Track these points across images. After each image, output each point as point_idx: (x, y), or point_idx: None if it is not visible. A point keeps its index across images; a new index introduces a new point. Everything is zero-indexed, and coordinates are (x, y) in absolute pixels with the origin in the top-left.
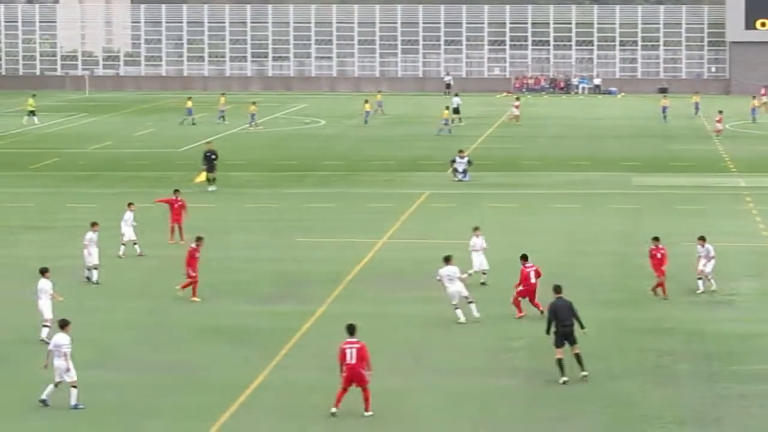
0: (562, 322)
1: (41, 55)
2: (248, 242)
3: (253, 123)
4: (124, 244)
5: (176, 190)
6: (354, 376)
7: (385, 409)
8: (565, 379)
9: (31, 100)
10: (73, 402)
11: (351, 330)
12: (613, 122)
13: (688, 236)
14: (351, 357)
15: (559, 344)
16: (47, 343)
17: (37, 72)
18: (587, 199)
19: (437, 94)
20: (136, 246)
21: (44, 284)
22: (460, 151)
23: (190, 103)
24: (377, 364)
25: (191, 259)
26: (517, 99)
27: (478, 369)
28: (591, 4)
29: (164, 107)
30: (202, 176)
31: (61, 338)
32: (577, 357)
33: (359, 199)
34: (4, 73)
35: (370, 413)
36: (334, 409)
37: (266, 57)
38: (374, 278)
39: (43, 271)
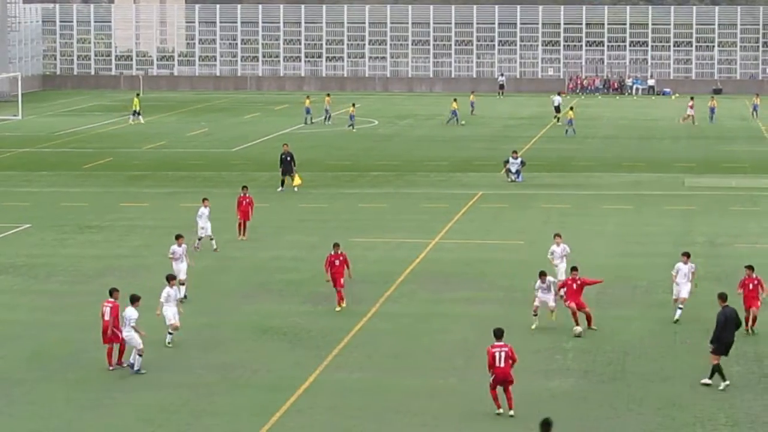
0: (730, 331)
1: (96, 55)
2: (301, 242)
3: (351, 124)
4: (200, 238)
5: (244, 187)
6: (504, 378)
7: (436, 409)
8: (726, 383)
9: (136, 100)
10: (136, 367)
11: (499, 334)
12: (666, 123)
13: (742, 238)
14: (500, 360)
15: (719, 352)
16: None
17: (92, 72)
18: (640, 200)
19: (491, 94)
20: (213, 241)
21: (131, 313)
22: (514, 152)
23: (308, 102)
24: (429, 364)
25: (331, 267)
26: (692, 99)
27: (530, 370)
28: (645, 4)
29: (218, 107)
30: (298, 179)
31: (130, 312)
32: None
33: (412, 199)
34: (59, 73)
35: (512, 412)
36: (500, 410)
37: (320, 57)
38: (426, 279)
39: (133, 300)
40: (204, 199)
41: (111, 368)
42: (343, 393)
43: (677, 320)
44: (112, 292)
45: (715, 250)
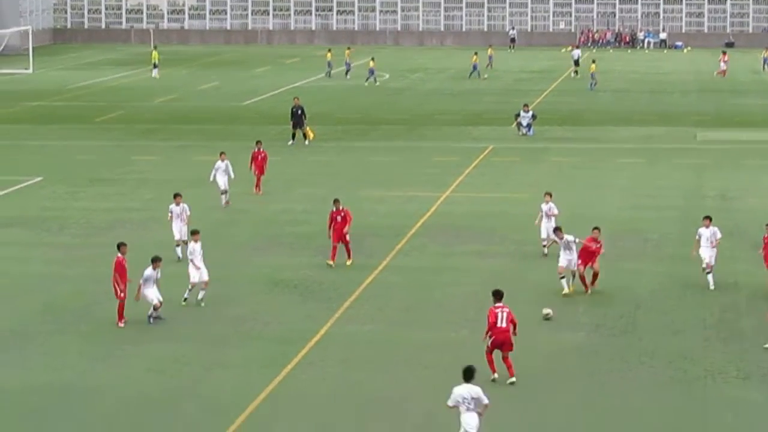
0: None
1: (107, 9)
2: (312, 195)
3: (372, 77)
4: (224, 192)
5: (258, 141)
6: (504, 341)
7: (447, 362)
8: None
9: (155, 53)
10: (150, 314)
11: (498, 295)
12: (678, 77)
13: (754, 192)
14: (502, 320)
15: None
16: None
17: (103, 25)
18: (651, 154)
19: (502, 48)
20: (224, 196)
21: (151, 273)
22: (525, 106)
23: (329, 56)
24: (440, 317)
25: (333, 222)
26: (724, 53)
27: (542, 322)
28: None
29: (228, 61)
30: (310, 133)
31: (150, 272)
32: None
33: (423, 153)
34: (69, 27)
35: (513, 379)
36: (495, 376)
37: (330, 10)
38: (437, 232)
39: (155, 260)
40: (221, 153)
41: (121, 325)
42: (354, 346)
43: (713, 289)
44: (120, 247)
45: (727, 204)
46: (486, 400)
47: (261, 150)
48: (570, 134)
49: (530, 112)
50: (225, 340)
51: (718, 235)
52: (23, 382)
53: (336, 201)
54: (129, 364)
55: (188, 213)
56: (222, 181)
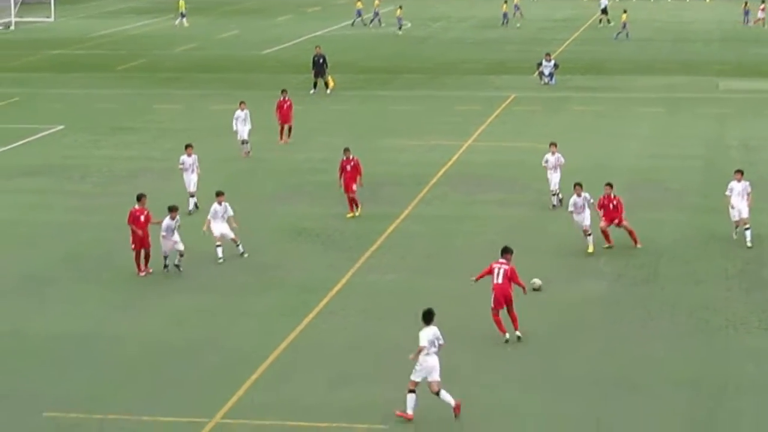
0: None
1: None
2: (333, 144)
3: (401, 26)
4: (244, 142)
5: (284, 90)
6: (503, 297)
7: (468, 310)
8: None
9: (182, 2)
10: (176, 262)
11: (505, 251)
12: (701, 26)
13: None
14: (498, 276)
15: None
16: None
17: None
18: (673, 104)
19: None
20: (244, 145)
21: (169, 223)
22: (547, 54)
23: (360, 5)
24: (461, 265)
25: (343, 172)
26: (763, 2)
27: (563, 272)
28: None
29: (249, 9)
30: (331, 82)
31: (168, 222)
32: None
33: (445, 101)
34: None
35: (518, 333)
36: (506, 336)
37: None
38: (458, 181)
39: (171, 210)
40: (241, 102)
41: (141, 274)
42: (375, 295)
43: (751, 246)
44: (139, 198)
45: (749, 153)
46: (442, 341)
47: (286, 99)
48: (592, 83)
49: (552, 61)
50: (247, 290)
51: (749, 190)
52: (44, 330)
53: (346, 150)
54: (151, 313)
55: (197, 164)
56: (242, 131)
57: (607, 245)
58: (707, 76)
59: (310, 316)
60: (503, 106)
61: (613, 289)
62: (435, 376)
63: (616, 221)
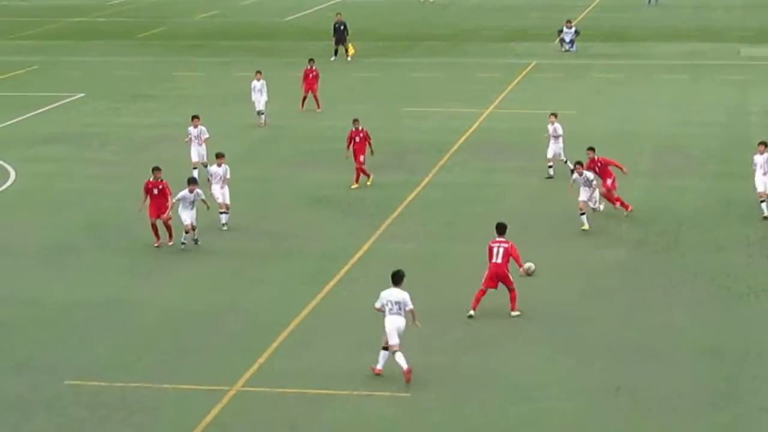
0: None
1: None
2: (354, 111)
3: None
4: (260, 112)
5: (311, 60)
6: (499, 275)
7: None
8: None
9: None
10: (183, 238)
11: (501, 229)
12: None
13: None
14: (497, 256)
15: None
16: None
17: None
18: (695, 71)
19: None
20: (261, 116)
21: (185, 194)
22: (568, 21)
23: None
24: (482, 233)
25: (352, 142)
26: None
27: (584, 239)
28: None
29: None
30: (351, 49)
31: (185, 193)
32: None
33: (466, 69)
34: None
35: (517, 312)
36: (471, 312)
37: None
38: (479, 148)
39: (190, 182)
40: (257, 72)
41: (156, 245)
42: (396, 262)
43: (766, 217)
44: (153, 171)
45: None
46: (411, 305)
47: (313, 68)
48: (613, 50)
49: (573, 28)
50: (267, 257)
51: None
52: (65, 298)
53: (355, 120)
54: (170, 281)
55: (206, 136)
56: (258, 101)
57: (626, 212)
58: (729, 43)
59: (331, 283)
60: (524, 73)
61: (634, 256)
62: (394, 338)
63: (609, 181)
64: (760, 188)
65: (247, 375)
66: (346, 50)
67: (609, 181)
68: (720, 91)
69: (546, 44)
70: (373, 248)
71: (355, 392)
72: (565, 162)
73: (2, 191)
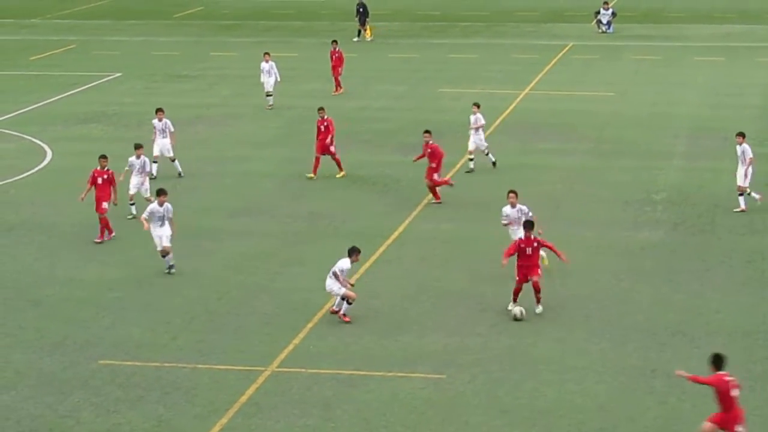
0: None
1: None
2: (390, 92)
3: None
4: (268, 94)
5: (334, 41)
6: (529, 272)
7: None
8: None
9: None
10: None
11: (529, 226)
12: None
13: None
14: (529, 251)
15: None
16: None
17: None
18: (731, 52)
19: None
20: (270, 98)
21: (155, 208)
22: (605, 3)
23: None
24: None
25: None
26: None
27: (621, 221)
28: None
29: None
30: (369, 31)
31: (154, 207)
32: None
33: (502, 50)
34: None
35: (540, 309)
36: (511, 305)
37: None
38: (515, 129)
39: (159, 194)
40: (265, 54)
41: (96, 240)
42: (431, 243)
43: (738, 211)
44: (100, 159)
45: None
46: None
47: (336, 49)
48: (650, 32)
49: (610, 10)
50: (302, 238)
51: (749, 154)
52: (99, 277)
53: (320, 109)
54: (205, 260)
55: (171, 129)
56: (267, 83)
57: (435, 201)
58: (765, 25)
59: (366, 264)
60: (561, 54)
61: (671, 237)
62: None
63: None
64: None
65: (282, 355)
66: (359, 31)
67: (435, 168)
68: (756, 73)
69: (582, 26)
70: (408, 229)
71: (389, 373)
72: (487, 154)
73: (39, 170)
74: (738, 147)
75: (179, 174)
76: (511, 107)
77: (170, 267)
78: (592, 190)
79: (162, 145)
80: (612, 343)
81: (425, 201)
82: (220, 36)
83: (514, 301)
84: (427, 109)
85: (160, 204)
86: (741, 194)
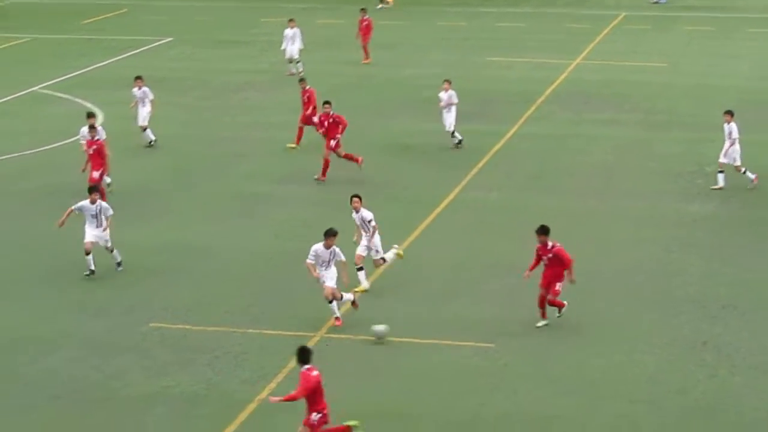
0: None
1: None
2: (439, 60)
3: None
4: (291, 61)
5: (363, 9)
6: (546, 284)
7: (574, 229)
8: None
9: None
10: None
11: (543, 231)
12: None
13: None
14: (548, 259)
15: None
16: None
17: None
18: None
19: None
20: (290, 65)
21: (85, 205)
22: None
23: None
24: (568, 185)
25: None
26: None
27: (673, 192)
28: None
29: None
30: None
31: (85, 204)
32: None
33: (553, 19)
34: None
35: (542, 323)
36: (541, 323)
37: None
38: (566, 99)
39: (90, 191)
40: (290, 20)
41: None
42: (480, 212)
43: (715, 188)
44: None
45: None
46: (342, 257)
47: (365, 17)
48: (703, 3)
49: None
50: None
51: (735, 134)
52: (149, 241)
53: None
54: (256, 226)
55: (151, 97)
56: (291, 50)
57: (359, 165)
58: None
59: (415, 233)
60: (612, 24)
61: (722, 210)
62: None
63: (334, 143)
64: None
65: (332, 322)
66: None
67: (333, 143)
68: None
69: None
70: (458, 198)
71: (438, 341)
72: (453, 134)
73: None
74: (726, 125)
75: (150, 143)
76: (563, 77)
77: (118, 264)
78: (643, 162)
79: (141, 113)
80: (662, 314)
81: (475, 169)
82: (270, 1)
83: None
84: (476, 78)
85: (92, 202)
86: (721, 171)
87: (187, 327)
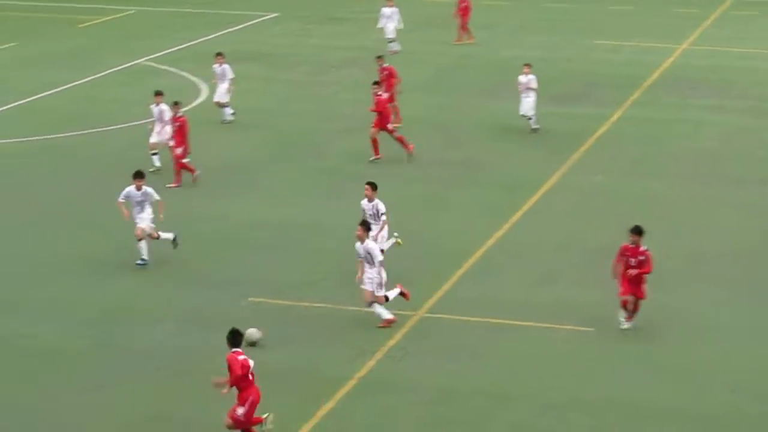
0: None
1: None
2: (544, 42)
3: None
4: (391, 40)
5: None
6: (632, 286)
7: (677, 214)
8: None
9: None
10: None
11: (637, 231)
12: None
13: None
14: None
15: None
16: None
17: None
18: None
19: None
20: (393, 43)
21: (131, 192)
22: None
23: None
24: (672, 170)
25: None
26: None
27: (738, 191)
28: None
29: None
30: None
31: (131, 190)
32: None
33: (661, 3)
34: None
35: (627, 325)
36: (626, 325)
37: None
38: (673, 84)
39: (136, 176)
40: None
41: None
42: (583, 196)
43: None
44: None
45: None
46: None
47: None
48: None
49: None
50: (454, 185)
51: None
52: (251, 216)
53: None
54: (355, 204)
55: (231, 76)
56: (388, 29)
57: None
58: None
59: (517, 214)
60: (721, 9)
61: None
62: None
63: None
64: None
65: (432, 301)
66: None
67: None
68: None
69: None
70: (561, 181)
71: (537, 323)
72: (529, 119)
73: (194, 107)
74: None
75: (226, 120)
76: (669, 61)
77: (174, 242)
78: (751, 149)
79: (224, 89)
80: (761, 302)
81: (579, 153)
82: None
83: (628, 319)
84: (582, 61)
85: (137, 189)
86: None
87: (287, 302)
